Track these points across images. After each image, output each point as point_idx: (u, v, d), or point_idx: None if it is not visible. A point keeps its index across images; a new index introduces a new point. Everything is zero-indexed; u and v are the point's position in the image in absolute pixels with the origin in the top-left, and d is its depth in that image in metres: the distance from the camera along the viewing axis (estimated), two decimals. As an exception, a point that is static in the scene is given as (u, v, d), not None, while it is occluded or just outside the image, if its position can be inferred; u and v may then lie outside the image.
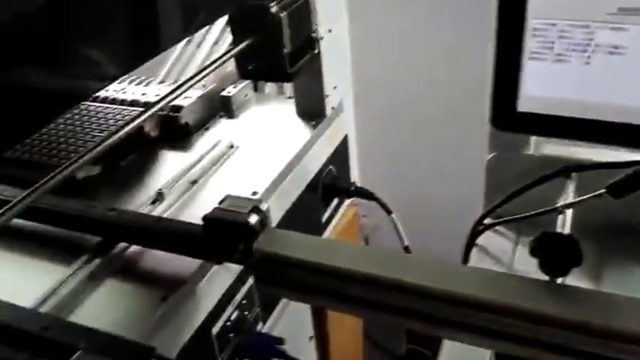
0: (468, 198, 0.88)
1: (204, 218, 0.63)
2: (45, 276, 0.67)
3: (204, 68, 0.81)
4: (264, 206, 0.63)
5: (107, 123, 0.92)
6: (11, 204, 0.61)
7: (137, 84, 1.02)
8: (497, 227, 0.79)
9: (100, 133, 0.89)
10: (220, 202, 0.64)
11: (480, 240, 0.75)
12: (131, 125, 0.73)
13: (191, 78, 0.80)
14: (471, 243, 0.74)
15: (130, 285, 0.65)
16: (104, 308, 0.62)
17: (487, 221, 0.72)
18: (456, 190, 1.30)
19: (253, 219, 0.61)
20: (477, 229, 0.72)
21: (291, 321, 0.82)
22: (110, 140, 0.70)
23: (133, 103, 0.95)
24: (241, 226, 0.60)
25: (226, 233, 0.61)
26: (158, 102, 0.78)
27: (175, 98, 0.81)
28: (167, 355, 0.52)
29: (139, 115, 0.75)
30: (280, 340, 0.70)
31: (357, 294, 0.55)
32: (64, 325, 0.55)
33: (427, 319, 0.53)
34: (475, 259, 0.79)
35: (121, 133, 0.72)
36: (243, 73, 0.83)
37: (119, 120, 0.91)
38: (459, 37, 1.31)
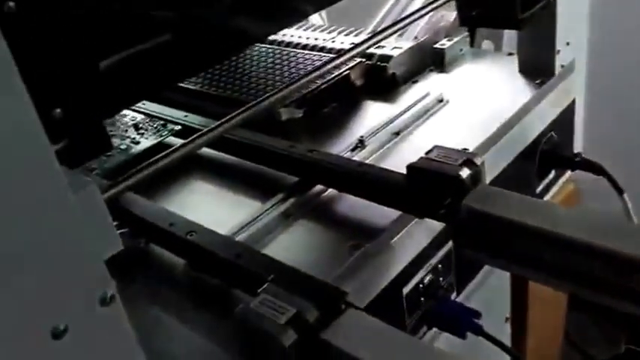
0: None
1: (409, 167, 0.57)
2: (242, 209, 0.66)
3: (411, 14, 0.76)
4: (478, 160, 0.55)
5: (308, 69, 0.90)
6: (204, 130, 0.61)
7: (346, 34, 0.99)
8: None
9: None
10: (427, 152, 0.58)
11: None
12: (324, 69, 0.70)
13: (393, 25, 0.75)
14: None
15: (323, 228, 0.62)
16: (294, 248, 0.60)
17: None
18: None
19: (465, 172, 0.54)
20: None
21: (487, 297, 0.74)
22: (304, 80, 0.67)
23: (340, 52, 0.92)
24: (450, 179, 0.54)
25: (432, 186, 0.55)
26: (354, 48, 0.74)
27: (371, 45, 0.77)
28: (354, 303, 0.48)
29: (331, 60, 0.72)
30: (477, 314, 0.63)
31: (576, 266, 0.46)
32: (257, 255, 0.53)
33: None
34: None
35: (313, 75, 0.69)
36: (464, 19, 0.75)
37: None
38: None
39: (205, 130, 0.63)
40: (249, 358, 0.46)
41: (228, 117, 0.64)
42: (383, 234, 0.59)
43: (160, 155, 0.60)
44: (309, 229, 0.62)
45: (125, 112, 0.87)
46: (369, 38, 0.76)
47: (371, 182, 0.60)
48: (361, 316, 0.45)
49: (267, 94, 0.69)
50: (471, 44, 0.94)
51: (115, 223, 0.60)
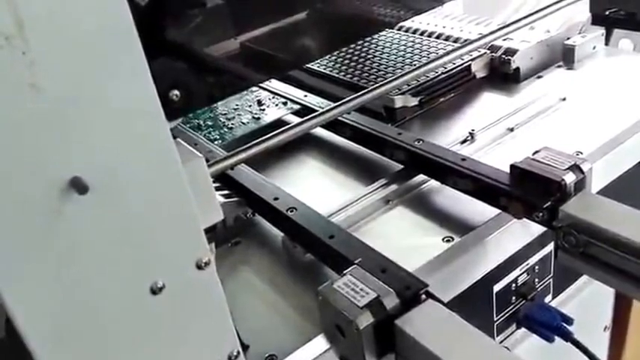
0: None
1: (513, 166, 0.56)
2: (345, 190, 0.69)
3: (544, 8, 0.73)
4: (586, 166, 0.53)
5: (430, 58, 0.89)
6: (318, 112, 0.63)
7: (477, 24, 0.97)
8: None
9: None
10: (534, 153, 0.57)
11: None
12: (445, 58, 0.69)
13: (524, 18, 0.72)
14: None
15: (419, 217, 0.63)
16: (388, 233, 0.61)
17: None
18: None
19: (569, 178, 0.52)
20: None
21: (586, 303, 0.71)
22: (423, 69, 0.67)
23: (465, 42, 0.91)
24: (553, 183, 0.52)
25: (534, 187, 0.54)
26: (479, 39, 0.72)
27: (498, 38, 0.75)
28: (437, 295, 0.48)
29: (454, 50, 0.71)
30: (569, 320, 0.61)
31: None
32: (348, 238, 0.55)
33: None
34: None
35: (433, 65, 0.68)
36: (597, 18, 0.71)
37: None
38: None
39: (319, 112, 0.66)
40: (329, 332, 0.49)
41: (343, 100, 0.66)
42: (478, 230, 0.58)
43: (272, 134, 0.63)
44: (406, 216, 0.63)
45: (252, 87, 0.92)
46: (497, 30, 0.74)
47: (472, 177, 0.60)
48: (439, 309, 0.46)
49: (384, 81, 0.70)
50: (606, 42, 0.88)
51: (227, 192, 0.67)
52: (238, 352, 0.43)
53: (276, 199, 0.62)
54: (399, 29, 1.01)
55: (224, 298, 0.40)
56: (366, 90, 0.69)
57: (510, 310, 0.64)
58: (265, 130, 0.77)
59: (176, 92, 0.40)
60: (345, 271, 0.49)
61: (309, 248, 0.58)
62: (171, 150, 0.34)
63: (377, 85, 0.70)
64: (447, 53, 0.73)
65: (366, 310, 0.44)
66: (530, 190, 0.54)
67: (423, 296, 0.46)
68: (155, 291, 0.36)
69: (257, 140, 0.62)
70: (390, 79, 0.71)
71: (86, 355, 0.35)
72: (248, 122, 0.83)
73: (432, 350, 0.41)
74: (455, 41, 0.92)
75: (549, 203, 0.52)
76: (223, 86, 0.48)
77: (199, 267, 0.38)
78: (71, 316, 0.33)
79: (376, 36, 0.99)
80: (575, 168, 0.53)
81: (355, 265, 0.49)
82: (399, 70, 0.86)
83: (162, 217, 0.35)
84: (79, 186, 0.31)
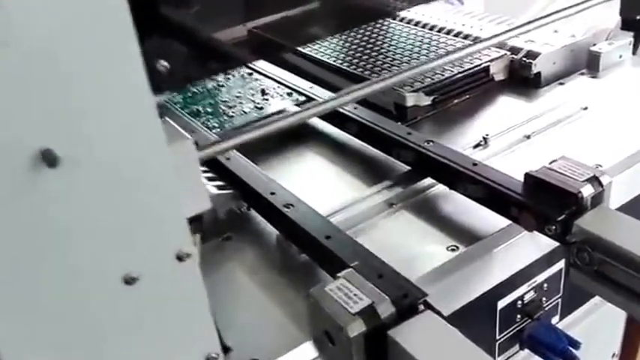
0: None
1: (527, 175, 0.53)
2: (348, 189, 0.66)
3: (564, 9, 0.69)
4: (605, 180, 0.50)
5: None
6: (319, 102, 0.60)
7: (498, 24, 0.93)
8: None
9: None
10: (551, 162, 0.53)
11: None
12: (454, 55, 0.65)
13: (542, 18, 0.68)
14: None
15: (423, 224, 0.59)
16: (389, 238, 0.58)
17: None
18: None
19: (587, 191, 0.49)
20: None
21: (594, 327, 0.68)
22: (430, 65, 0.63)
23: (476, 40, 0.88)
24: (569, 195, 0.49)
25: (549, 199, 0.50)
26: (491, 38, 0.68)
27: (511, 37, 0.70)
28: (437, 307, 0.45)
29: (464, 48, 0.67)
30: (576, 344, 0.57)
31: None
32: (345, 239, 0.52)
33: None
34: None
35: (441, 61, 0.64)
36: (627, 22, 0.67)
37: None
38: None
39: (319, 101, 0.61)
40: (318, 339, 0.45)
41: (344, 90, 0.62)
42: (485, 240, 0.55)
43: (268, 120, 0.58)
44: (409, 221, 0.60)
45: (256, 76, 0.89)
46: (512, 29, 0.70)
47: (483, 184, 0.56)
48: (437, 322, 0.42)
49: (390, 74, 0.66)
50: (634, 51, 0.84)
51: (221, 184, 0.63)
52: (217, 355, 0.40)
53: (272, 193, 0.59)
54: (415, 24, 0.98)
55: (205, 295, 0.37)
56: (368, 82, 0.64)
57: (514, 328, 0.61)
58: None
59: (164, 64, 0.37)
60: (339, 274, 0.45)
61: (304, 248, 0.55)
62: (155, 126, 0.31)
63: (382, 77, 0.66)
64: (456, 50, 0.68)
65: (358, 318, 0.41)
66: (544, 201, 0.51)
67: (421, 307, 0.43)
68: (129, 281, 0.33)
69: (252, 126, 0.57)
70: (396, 72, 0.66)
71: (50, 343, 0.32)
72: (249, 111, 0.80)
73: (424, 365, 0.38)
74: (474, 40, 0.88)
75: (564, 216, 0.49)
76: (214, 62, 0.44)
77: (180, 258, 0.34)
78: (35, 301, 0.30)
79: (390, 30, 0.96)
80: (594, 180, 0.49)
81: (350, 269, 0.46)
82: (405, 65, 0.83)
83: (140, 200, 0.32)
84: (49, 158, 0.28)
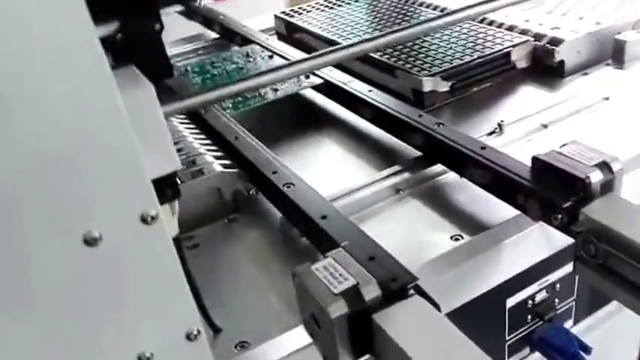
0: None
1: (534, 158, 0.50)
2: (356, 172, 0.65)
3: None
4: (616, 166, 0.47)
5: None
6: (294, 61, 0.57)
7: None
8: None
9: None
10: (562, 146, 0.50)
11: None
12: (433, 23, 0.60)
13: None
14: None
15: (428, 210, 0.57)
16: (392, 224, 0.56)
17: None
18: None
19: (596, 176, 0.46)
20: None
21: (610, 334, 0.64)
22: (403, 33, 0.59)
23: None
24: (577, 180, 0.46)
25: (556, 184, 0.48)
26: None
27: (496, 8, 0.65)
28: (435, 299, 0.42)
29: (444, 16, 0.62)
30: (587, 348, 0.54)
31: None
32: (341, 220, 0.50)
33: None
34: None
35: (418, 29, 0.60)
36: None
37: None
38: None
39: (295, 60, 0.58)
40: (308, 322, 0.44)
41: (321, 52, 0.58)
42: (491, 231, 0.52)
43: (244, 78, 0.55)
44: (415, 208, 0.58)
45: (277, 59, 0.88)
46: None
47: (490, 169, 0.54)
48: (426, 308, 0.40)
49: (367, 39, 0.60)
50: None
51: (228, 162, 0.62)
52: (199, 332, 0.38)
53: (274, 172, 0.58)
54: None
55: (177, 263, 0.35)
56: (342, 45, 0.61)
57: (525, 330, 0.58)
58: (282, 103, 0.74)
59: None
60: (327, 254, 0.44)
61: (302, 228, 0.54)
62: (98, 60, 0.27)
63: (357, 42, 0.61)
64: (432, 19, 0.63)
65: (340, 298, 0.39)
66: (550, 187, 0.48)
67: (411, 291, 0.41)
68: (89, 241, 0.30)
69: (230, 82, 0.54)
70: (373, 36, 0.62)
71: (6, 311, 0.30)
72: (231, 71, 0.83)
73: (407, 353, 0.36)
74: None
75: (570, 203, 0.46)
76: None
77: (144, 221, 0.32)
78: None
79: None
80: (604, 166, 0.46)
81: (340, 248, 0.44)
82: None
83: (90, 149, 0.29)
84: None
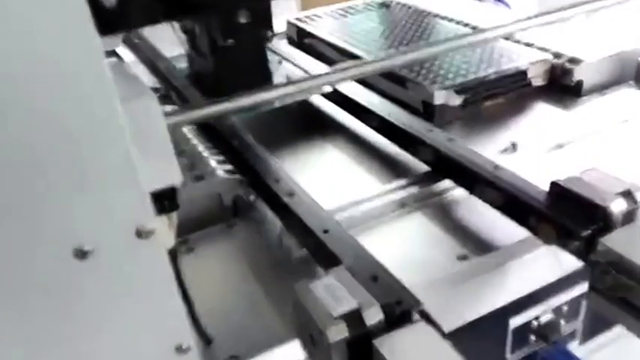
0: None
1: (554, 183, 0.48)
2: (361, 184, 0.62)
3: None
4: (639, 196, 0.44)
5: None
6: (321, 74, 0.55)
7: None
8: None
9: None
10: (583, 172, 0.48)
11: None
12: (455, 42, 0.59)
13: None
14: None
15: (434, 227, 0.55)
16: (396, 240, 0.54)
17: None
18: None
19: (618, 205, 0.43)
20: None
21: (617, 356, 0.61)
22: (431, 50, 0.57)
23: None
24: (597, 208, 0.43)
25: (574, 211, 0.45)
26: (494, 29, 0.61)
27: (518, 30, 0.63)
28: (438, 321, 0.40)
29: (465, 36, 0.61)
30: (591, 372, 0.52)
31: None
32: (344, 236, 0.47)
33: None
34: None
35: (442, 47, 0.58)
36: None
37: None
38: None
39: (309, 77, 0.57)
40: (302, 338, 0.41)
41: (330, 70, 0.57)
42: (499, 252, 0.50)
43: (252, 92, 0.53)
44: (420, 224, 0.55)
45: (285, 65, 0.85)
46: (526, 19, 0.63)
47: (502, 190, 0.51)
48: (431, 334, 0.37)
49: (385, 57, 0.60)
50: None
51: (230, 168, 0.60)
52: (189, 346, 0.35)
53: (277, 181, 0.55)
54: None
55: (172, 278, 0.33)
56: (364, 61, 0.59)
57: (527, 350, 0.55)
58: (288, 110, 0.72)
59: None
60: (328, 271, 0.41)
61: (302, 240, 0.51)
62: (101, 72, 0.26)
63: (378, 59, 0.59)
64: (459, 37, 0.62)
65: (340, 322, 0.36)
66: (568, 213, 0.45)
67: (416, 316, 0.38)
68: (80, 255, 0.29)
69: (238, 95, 0.52)
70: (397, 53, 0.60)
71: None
72: None
73: (409, 384, 0.34)
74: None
75: (589, 231, 0.43)
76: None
77: (139, 235, 0.31)
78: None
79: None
80: (627, 195, 0.44)
81: (341, 266, 0.42)
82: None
83: (82, 159, 0.27)
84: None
